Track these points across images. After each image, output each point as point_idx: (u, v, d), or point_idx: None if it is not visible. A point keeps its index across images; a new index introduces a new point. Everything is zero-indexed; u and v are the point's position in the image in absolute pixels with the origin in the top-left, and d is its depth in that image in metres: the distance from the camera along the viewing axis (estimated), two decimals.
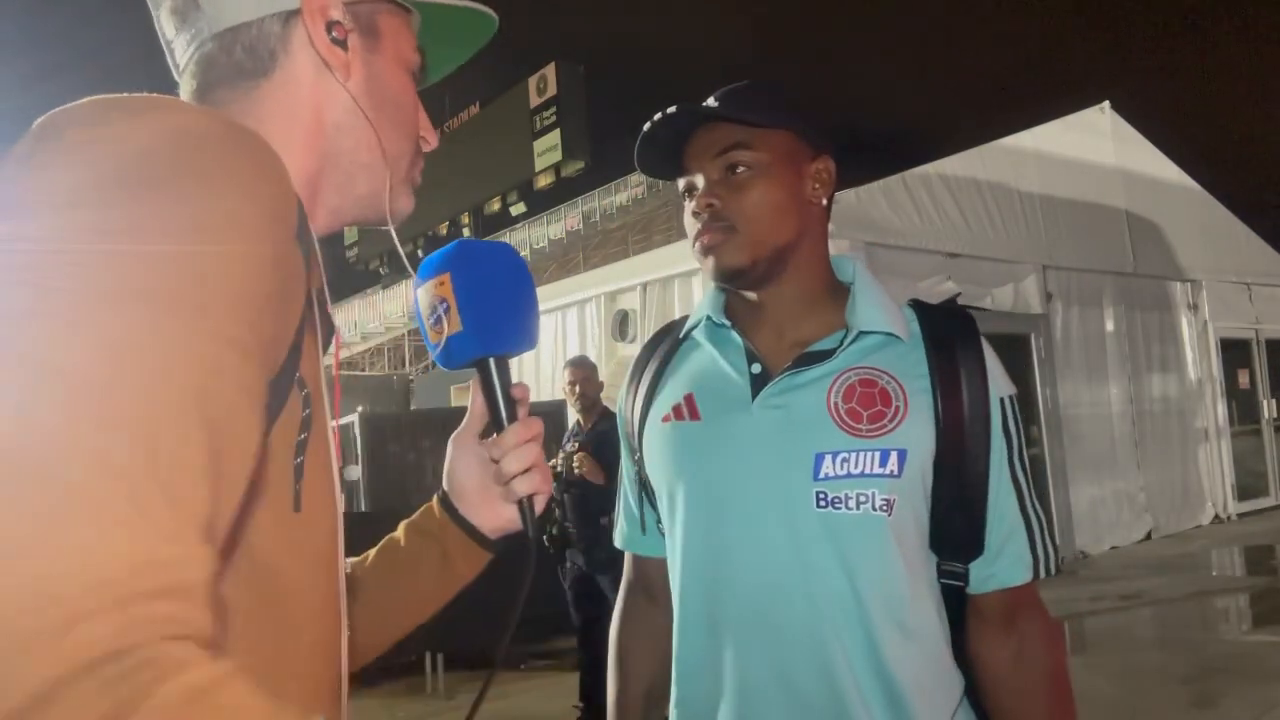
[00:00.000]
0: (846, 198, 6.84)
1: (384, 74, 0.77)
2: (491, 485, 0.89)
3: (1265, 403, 10.53)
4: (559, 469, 4.40)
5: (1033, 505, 1.13)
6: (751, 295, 1.17)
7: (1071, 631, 5.98)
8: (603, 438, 4.33)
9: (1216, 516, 9.57)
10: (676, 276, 7.86)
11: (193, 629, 0.41)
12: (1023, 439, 1.13)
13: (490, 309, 0.83)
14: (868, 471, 1.06)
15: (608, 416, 4.52)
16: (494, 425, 0.86)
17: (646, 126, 1.14)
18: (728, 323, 1.18)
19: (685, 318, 1.25)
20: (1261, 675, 4.68)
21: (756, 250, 1.11)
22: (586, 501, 4.26)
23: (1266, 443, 10.47)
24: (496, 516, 0.89)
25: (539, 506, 0.85)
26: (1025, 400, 8.09)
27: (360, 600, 0.88)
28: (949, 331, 1.13)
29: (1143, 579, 7.09)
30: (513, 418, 0.85)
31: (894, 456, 1.06)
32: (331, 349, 0.71)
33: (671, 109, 1.13)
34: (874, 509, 1.05)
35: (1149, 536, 8.69)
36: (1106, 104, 9.46)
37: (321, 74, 0.73)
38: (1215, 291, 9.95)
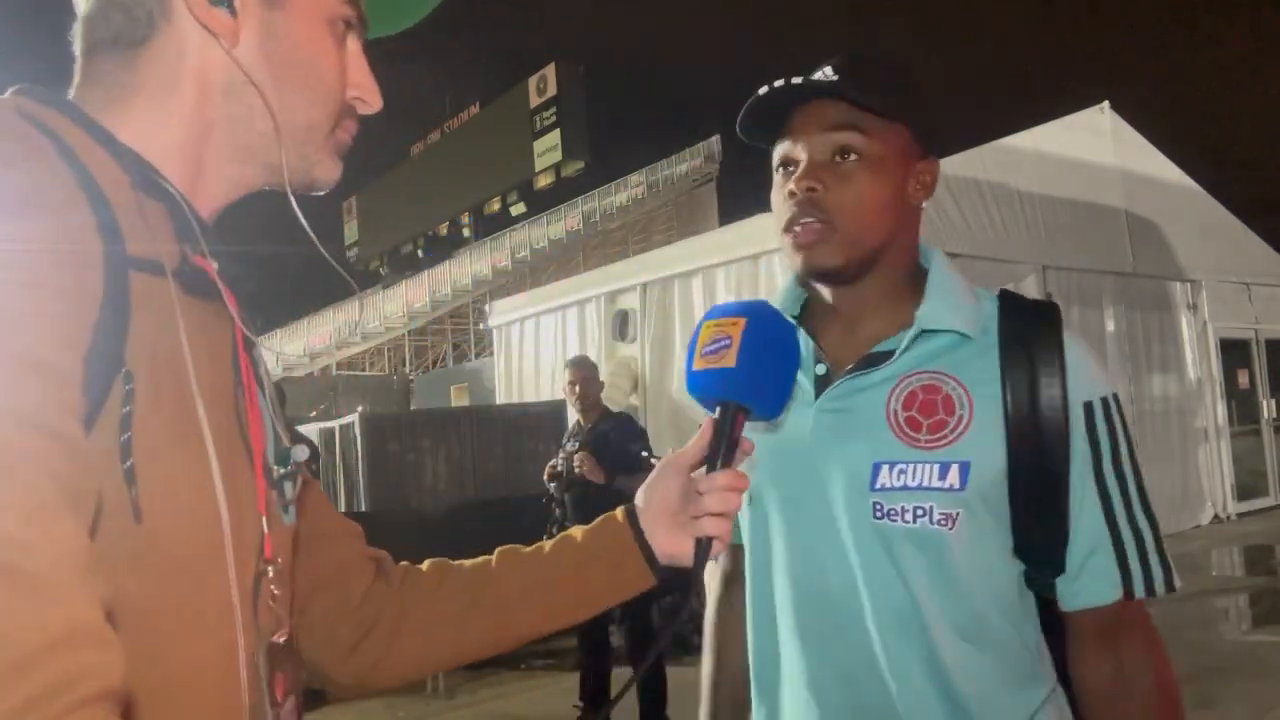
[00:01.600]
0: None
1: (291, 32, 0.71)
2: (682, 514, 0.90)
3: (1265, 403, 10.53)
4: (559, 469, 4.41)
5: (1128, 518, 1.04)
6: (828, 293, 1.12)
7: None
8: (603, 438, 4.33)
9: (1216, 516, 9.56)
10: (676, 276, 7.86)
11: (100, 677, 0.41)
12: (1119, 443, 1.05)
13: (765, 365, 0.89)
14: (925, 484, 1.01)
15: (608, 416, 4.52)
16: (710, 464, 0.89)
17: (763, 91, 1.07)
18: (794, 321, 1.12)
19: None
20: (1261, 675, 4.68)
21: (852, 251, 1.05)
22: (587, 501, 4.26)
23: (1266, 443, 10.46)
24: (674, 544, 0.90)
25: (714, 551, 0.89)
26: None
27: (524, 587, 0.89)
28: (1028, 329, 1.05)
29: None
30: (729, 464, 0.89)
31: (954, 469, 1.00)
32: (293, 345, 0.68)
33: (795, 80, 1.05)
34: (932, 523, 1.01)
35: None
36: (1106, 104, 9.46)
37: (207, 38, 0.68)
38: (1215, 291, 9.94)
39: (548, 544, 0.93)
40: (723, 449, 0.88)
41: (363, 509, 7.53)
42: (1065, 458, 1.02)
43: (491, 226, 42.18)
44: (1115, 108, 9.51)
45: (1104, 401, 1.05)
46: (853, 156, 1.05)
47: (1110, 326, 8.84)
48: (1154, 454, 8.97)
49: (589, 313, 8.72)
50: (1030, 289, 8.04)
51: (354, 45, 0.76)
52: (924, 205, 1.14)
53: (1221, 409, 9.82)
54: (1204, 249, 9.97)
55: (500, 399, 10.00)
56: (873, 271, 1.08)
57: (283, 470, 0.72)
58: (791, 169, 1.08)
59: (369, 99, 0.77)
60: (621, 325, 8.27)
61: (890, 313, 1.09)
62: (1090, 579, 1.04)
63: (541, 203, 40.31)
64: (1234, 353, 10.19)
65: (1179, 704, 1.08)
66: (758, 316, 0.91)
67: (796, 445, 1.09)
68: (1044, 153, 8.57)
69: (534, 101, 42.95)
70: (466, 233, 45.14)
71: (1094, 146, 9.13)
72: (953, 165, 7.79)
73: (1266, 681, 4.56)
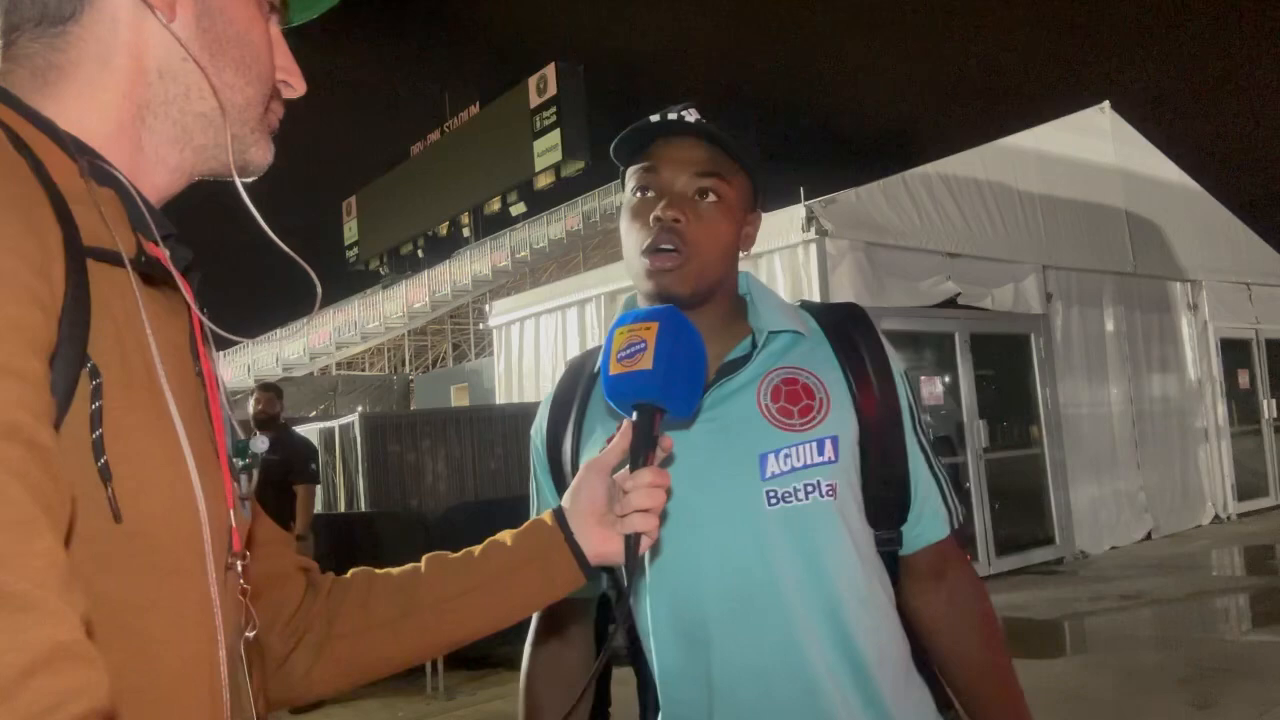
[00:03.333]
0: (846, 197, 6.84)
1: (224, 8, 0.69)
2: (609, 514, 0.93)
3: (1265, 403, 10.53)
4: None
5: (938, 465, 1.22)
6: None
7: (1071, 631, 5.99)
8: None
9: (1216, 516, 9.56)
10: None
11: (88, 696, 0.40)
12: (918, 406, 1.23)
13: (678, 367, 0.95)
14: (810, 462, 1.12)
15: None
16: (633, 463, 0.92)
17: (653, 118, 1.16)
18: None
19: (596, 349, 1.24)
20: (1261, 675, 4.68)
21: (699, 282, 1.15)
22: None
23: (1266, 443, 10.47)
24: (603, 544, 0.92)
25: (642, 547, 0.92)
26: (1025, 400, 8.10)
27: (456, 591, 0.89)
28: (844, 322, 1.22)
29: (1143, 579, 7.09)
30: (650, 462, 0.93)
31: (829, 444, 1.13)
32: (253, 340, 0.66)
33: (689, 115, 1.15)
34: (821, 495, 1.12)
35: (1149, 536, 8.69)
36: (1106, 104, 9.46)
37: (141, 13, 0.65)
38: (1215, 291, 9.94)
39: (477, 549, 0.93)
40: (644, 448, 0.93)
41: (363, 509, 7.54)
42: (899, 421, 1.19)
43: (491, 226, 42.19)
44: (1115, 108, 9.52)
45: (904, 374, 1.23)
46: (711, 198, 1.16)
47: (1110, 326, 8.84)
48: (1154, 454, 8.98)
49: (589, 313, 8.73)
50: (1030, 289, 8.05)
51: (275, 29, 0.75)
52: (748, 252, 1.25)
53: (1222, 409, 9.82)
54: (1204, 249, 9.98)
55: (500, 399, 10.00)
56: (710, 301, 1.19)
57: (241, 463, 0.70)
58: (651, 195, 1.17)
59: (294, 82, 0.76)
60: None
61: (728, 332, 1.21)
62: (928, 520, 1.20)
63: (541, 203, 40.31)
64: (1234, 353, 10.20)
65: (997, 619, 1.24)
66: (669, 320, 0.97)
67: (680, 459, 1.12)
68: (1044, 153, 8.57)
69: (534, 101, 42.94)
70: (466, 233, 45.14)
71: (1094, 146, 9.14)
72: (953, 165, 7.79)
73: (1266, 681, 4.56)
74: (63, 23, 0.64)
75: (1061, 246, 8.41)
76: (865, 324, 1.22)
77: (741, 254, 1.23)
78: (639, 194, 1.19)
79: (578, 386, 1.27)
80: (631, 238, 1.18)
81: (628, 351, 0.96)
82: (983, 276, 7.65)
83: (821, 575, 1.11)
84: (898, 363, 1.22)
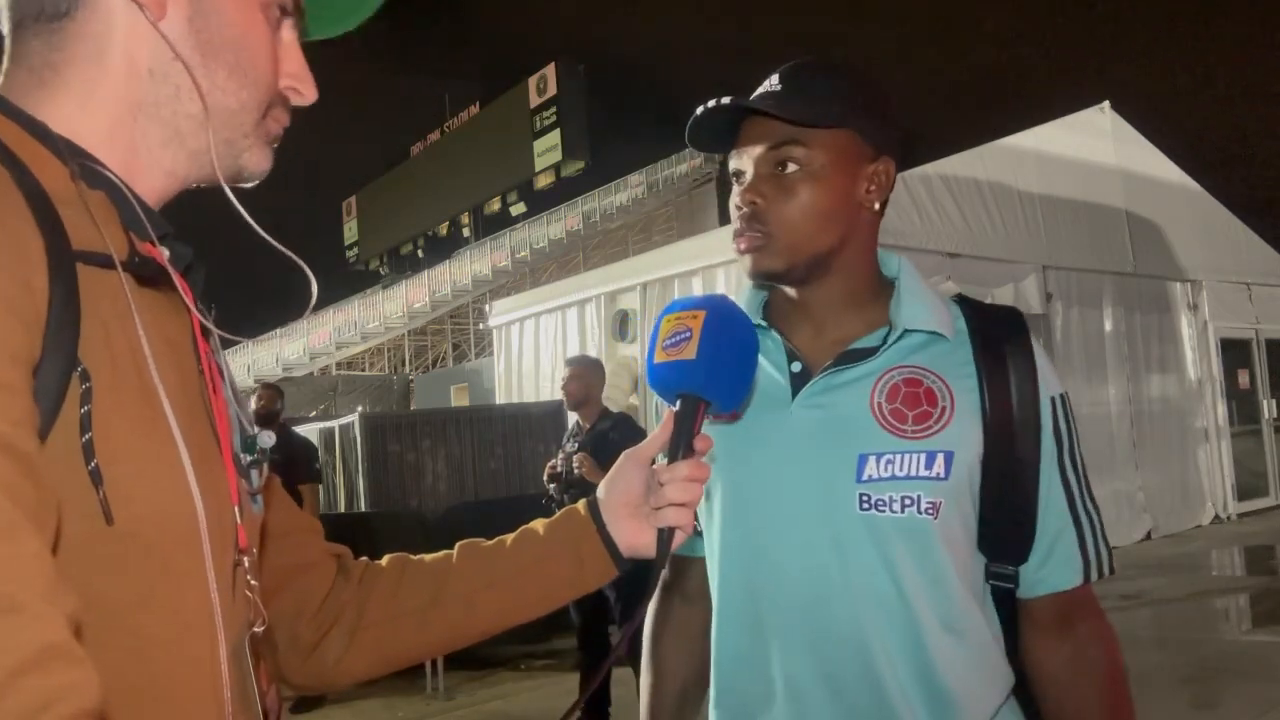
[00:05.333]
0: None
1: (221, 11, 0.68)
2: (643, 506, 0.91)
3: (1265, 403, 10.53)
4: (559, 469, 4.40)
5: (1084, 506, 1.10)
6: (792, 292, 1.14)
7: None
8: (603, 438, 4.33)
9: (1216, 516, 9.56)
10: (676, 276, 7.86)
11: (78, 697, 0.40)
12: (1075, 438, 1.11)
13: (725, 356, 0.91)
14: (913, 474, 1.03)
15: (608, 416, 4.52)
16: (671, 455, 0.90)
17: (699, 111, 1.10)
18: (764, 323, 1.15)
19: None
20: (1261, 675, 4.68)
21: (793, 257, 1.08)
22: None
23: (1266, 443, 10.46)
24: (636, 536, 0.91)
25: (677, 541, 0.90)
26: None
27: (486, 581, 0.89)
28: (997, 329, 1.11)
29: (1143, 579, 7.09)
30: (689, 455, 0.90)
31: (940, 458, 1.03)
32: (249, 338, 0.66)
33: (725, 100, 1.08)
34: (919, 512, 1.03)
35: (1149, 536, 8.69)
36: (1106, 104, 9.46)
37: (134, 12, 0.65)
38: (1215, 291, 9.94)
39: (509, 538, 0.92)
40: (684, 441, 0.90)
41: (363, 509, 7.54)
42: (1036, 449, 1.07)
43: (491, 226, 42.14)
44: (1115, 108, 9.52)
45: (1062, 398, 1.11)
46: (793, 168, 1.07)
47: (1110, 326, 8.84)
48: (1154, 454, 8.98)
49: (589, 313, 8.72)
50: (1030, 289, 8.05)
51: (289, 34, 0.74)
52: (885, 202, 1.14)
53: (1222, 409, 9.82)
54: (1204, 249, 9.97)
55: (500, 399, 10.00)
56: (831, 272, 1.11)
57: (250, 458, 0.70)
58: (741, 179, 1.12)
59: (304, 90, 0.75)
60: (621, 325, 8.27)
61: (859, 313, 1.12)
62: (1055, 565, 1.08)
63: (541, 203, 40.26)
64: (1234, 353, 10.19)
65: (1127, 680, 1.11)
66: (717, 309, 0.93)
67: (771, 444, 1.09)
68: (1044, 153, 8.57)
69: (534, 101, 42.92)
70: (466, 233, 45.12)
71: (1094, 146, 9.14)
72: (953, 165, 7.79)
73: (1266, 681, 4.56)
74: (59, 19, 0.64)
75: (1061, 246, 8.41)
76: (1021, 334, 1.10)
77: (879, 204, 1.11)
78: (734, 180, 1.13)
79: None
80: (733, 232, 1.13)
81: (673, 340, 0.92)
82: (983, 276, 7.65)
83: (903, 595, 1.03)
84: (1053, 384, 1.09)
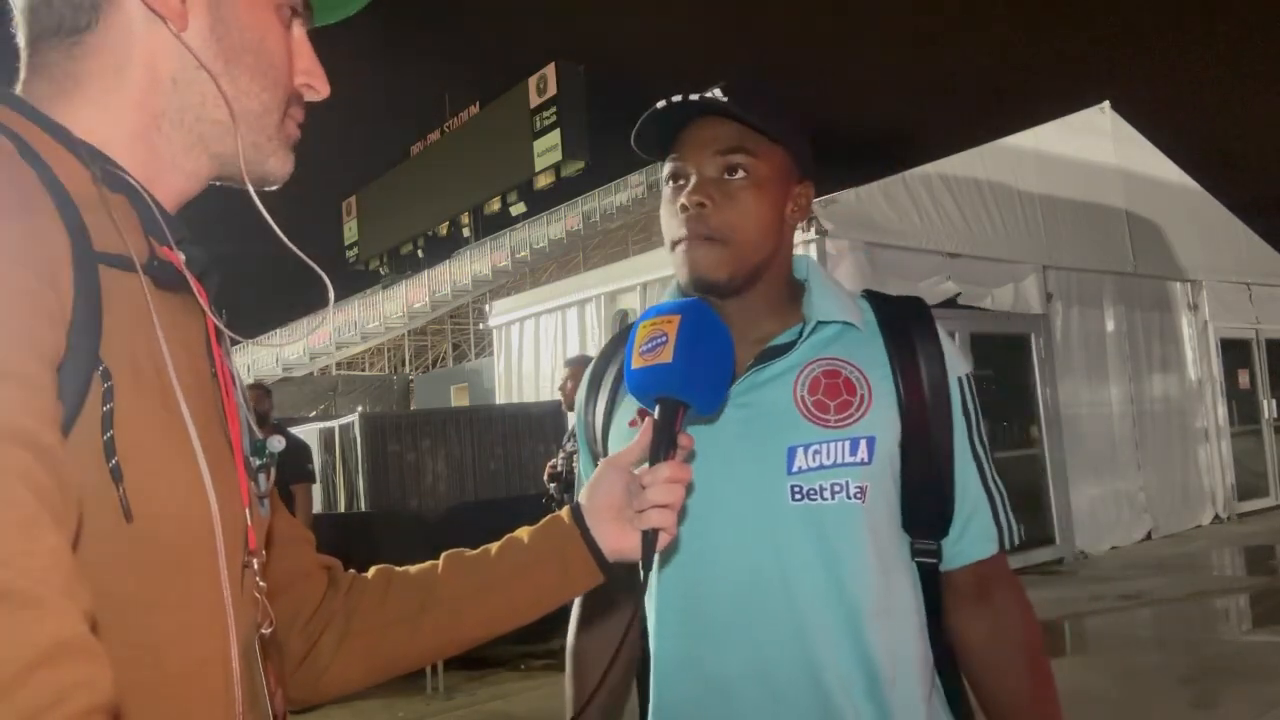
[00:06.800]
0: (846, 198, 6.84)
1: (239, 16, 0.70)
2: (626, 510, 0.92)
3: (1265, 403, 10.53)
4: (559, 469, 4.41)
5: (993, 479, 1.16)
6: (718, 302, 1.15)
7: (1072, 631, 5.99)
8: None
9: (1216, 516, 9.56)
10: (676, 276, 7.85)
11: (91, 691, 0.40)
12: (980, 415, 1.17)
13: (701, 359, 0.93)
14: (840, 461, 1.07)
15: None
16: (653, 458, 0.91)
17: (660, 105, 1.12)
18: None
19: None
20: (1261, 675, 4.67)
21: (738, 265, 1.11)
22: None
23: (1266, 443, 10.46)
24: (620, 540, 0.91)
25: (660, 543, 0.90)
26: (1025, 400, 8.09)
27: (472, 589, 0.89)
28: (904, 318, 1.16)
29: (1143, 579, 7.09)
30: (670, 458, 0.91)
31: (864, 444, 1.08)
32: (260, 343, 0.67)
33: (693, 95, 1.10)
34: (849, 497, 1.07)
35: (1149, 536, 8.69)
36: (1106, 104, 9.46)
37: (155, 23, 0.66)
38: (1215, 291, 9.94)
39: (494, 546, 0.93)
40: (664, 443, 0.91)
41: (363, 509, 7.54)
42: (949, 428, 1.13)
43: (491, 226, 42.13)
44: (1115, 108, 9.52)
45: (969, 378, 1.16)
46: (740, 174, 1.11)
47: (1110, 326, 8.84)
48: (1154, 454, 8.97)
49: (589, 313, 8.72)
50: (1030, 289, 8.05)
51: (299, 31, 0.75)
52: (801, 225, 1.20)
53: (1222, 409, 9.82)
54: (1204, 249, 9.97)
55: (500, 399, 10.00)
56: (757, 284, 1.15)
57: (259, 462, 0.71)
58: (682, 183, 1.13)
59: (317, 85, 0.76)
60: (621, 325, 8.27)
61: (777, 317, 1.17)
62: (973, 536, 1.14)
63: (541, 203, 40.26)
64: (1234, 353, 10.19)
65: (1044, 650, 1.18)
66: (692, 313, 0.95)
67: (706, 446, 1.10)
68: (1044, 153, 8.57)
69: (534, 101, 42.90)
70: (466, 233, 45.10)
71: (1094, 146, 9.14)
72: (953, 165, 7.79)
73: (1266, 681, 4.56)
74: (79, 33, 0.66)
75: (1061, 246, 8.41)
76: (925, 321, 1.16)
77: (799, 229, 1.15)
78: (670, 183, 1.15)
79: (611, 364, 1.26)
80: (667, 230, 1.15)
81: (649, 345, 0.94)
82: (983, 276, 7.65)
83: (840, 581, 1.07)
84: (958, 366, 1.15)
